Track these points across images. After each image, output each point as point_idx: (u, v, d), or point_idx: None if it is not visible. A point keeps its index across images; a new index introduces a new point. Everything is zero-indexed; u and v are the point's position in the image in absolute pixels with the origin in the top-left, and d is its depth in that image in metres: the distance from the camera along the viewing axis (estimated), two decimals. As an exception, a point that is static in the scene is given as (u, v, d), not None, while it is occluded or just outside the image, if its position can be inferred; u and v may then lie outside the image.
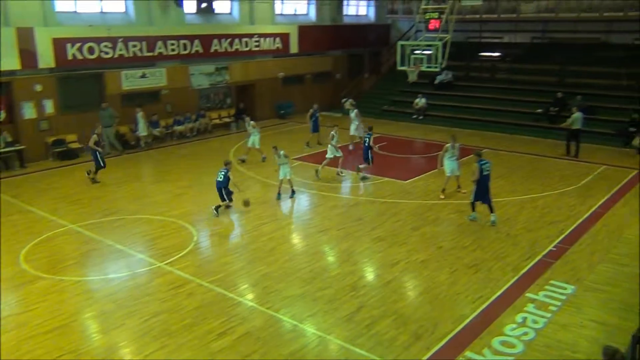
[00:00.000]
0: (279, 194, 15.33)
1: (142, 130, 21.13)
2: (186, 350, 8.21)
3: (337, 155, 17.13)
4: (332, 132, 17.16)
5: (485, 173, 12.92)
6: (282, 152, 15.08)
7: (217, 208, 13.97)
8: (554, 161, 19.06)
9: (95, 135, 16.70)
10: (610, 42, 26.04)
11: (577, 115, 19.48)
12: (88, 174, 16.82)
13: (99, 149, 16.63)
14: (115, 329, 8.80)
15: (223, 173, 14.03)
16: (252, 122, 19.21)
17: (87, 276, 10.73)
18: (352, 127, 21.00)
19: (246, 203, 14.21)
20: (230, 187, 14.16)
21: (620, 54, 25.07)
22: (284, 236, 12.87)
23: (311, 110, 21.49)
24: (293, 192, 15.48)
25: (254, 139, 18.97)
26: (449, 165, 15.17)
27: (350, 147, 20.55)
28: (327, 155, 17.25)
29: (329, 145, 17.11)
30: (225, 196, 14.15)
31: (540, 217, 13.71)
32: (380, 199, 15.18)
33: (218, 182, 14.11)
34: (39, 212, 14.21)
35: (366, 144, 16.83)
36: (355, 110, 21.07)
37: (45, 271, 10.81)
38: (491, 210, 13.16)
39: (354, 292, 9.88)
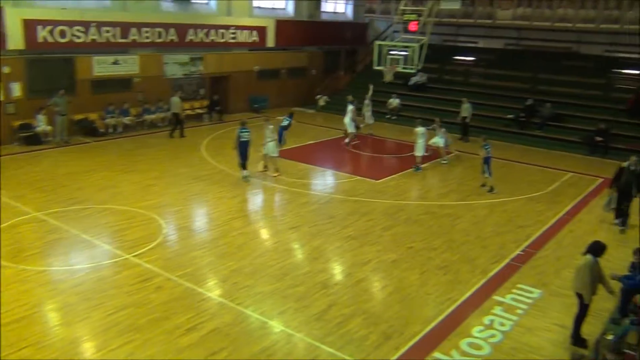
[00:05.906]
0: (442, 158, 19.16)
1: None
2: (153, 345, 8.04)
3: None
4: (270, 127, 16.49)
5: (242, 140, 15.25)
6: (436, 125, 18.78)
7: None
8: (523, 167, 19.39)
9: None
10: (581, 52, 26.63)
11: (466, 105, 22.38)
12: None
13: None
14: (80, 322, 8.57)
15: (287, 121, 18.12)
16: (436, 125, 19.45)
17: (51, 266, 10.45)
18: (351, 123, 20.85)
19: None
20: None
21: (590, 65, 25.69)
22: (254, 232, 12.77)
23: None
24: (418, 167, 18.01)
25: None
26: (436, 140, 19.10)
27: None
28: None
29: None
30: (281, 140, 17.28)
31: (509, 220, 13.93)
32: (353, 198, 15.19)
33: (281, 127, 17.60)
34: (3, 198, 13.75)
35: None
36: (352, 107, 20.94)
37: (7, 260, 10.46)
38: (245, 167, 15.73)
39: (324, 290, 9.86)
